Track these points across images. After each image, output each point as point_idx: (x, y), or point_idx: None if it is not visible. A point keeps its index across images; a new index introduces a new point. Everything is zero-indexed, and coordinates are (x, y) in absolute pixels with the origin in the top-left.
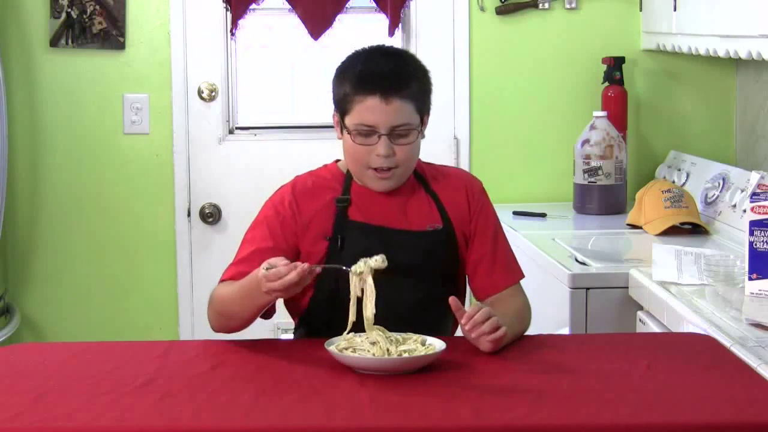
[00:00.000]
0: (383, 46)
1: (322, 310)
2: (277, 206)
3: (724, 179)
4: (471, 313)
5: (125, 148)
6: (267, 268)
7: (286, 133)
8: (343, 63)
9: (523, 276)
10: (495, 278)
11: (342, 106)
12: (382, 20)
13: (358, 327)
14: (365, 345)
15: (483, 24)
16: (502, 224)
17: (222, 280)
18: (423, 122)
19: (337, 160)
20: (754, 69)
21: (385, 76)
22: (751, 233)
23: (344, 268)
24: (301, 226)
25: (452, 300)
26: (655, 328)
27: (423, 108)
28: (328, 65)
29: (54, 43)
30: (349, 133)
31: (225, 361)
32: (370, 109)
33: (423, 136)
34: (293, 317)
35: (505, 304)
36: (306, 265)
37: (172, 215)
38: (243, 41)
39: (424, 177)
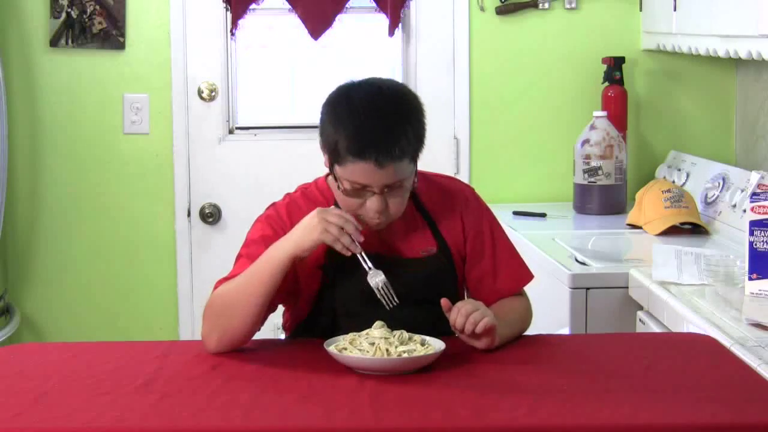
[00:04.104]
0: (379, 86)
1: (320, 322)
2: (274, 226)
3: (724, 179)
4: (453, 317)
5: (125, 148)
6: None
7: (286, 133)
8: (337, 102)
9: (529, 279)
10: (499, 287)
11: (333, 155)
12: (382, 20)
13: (360, 326)
14: (365, 345)
15: (483, 24)
16: (503, 225)
17: (216, 287)
18: (416, 164)
19: (328, 175)
20: (754, 69)
21: (381, 141)
22: (751, 233)
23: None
24: None
25: (444, 302)
26: (655, 328)
27: (418, 153)
28: (328, 65)
29: (54, 43)
30: (339, 183)
31: (225, 361)
32: (364, 171)
33: (417, 177)
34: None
35: (506, 304)
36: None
37: (172, 215)
38: (243, 41)
39: (417, 195)
